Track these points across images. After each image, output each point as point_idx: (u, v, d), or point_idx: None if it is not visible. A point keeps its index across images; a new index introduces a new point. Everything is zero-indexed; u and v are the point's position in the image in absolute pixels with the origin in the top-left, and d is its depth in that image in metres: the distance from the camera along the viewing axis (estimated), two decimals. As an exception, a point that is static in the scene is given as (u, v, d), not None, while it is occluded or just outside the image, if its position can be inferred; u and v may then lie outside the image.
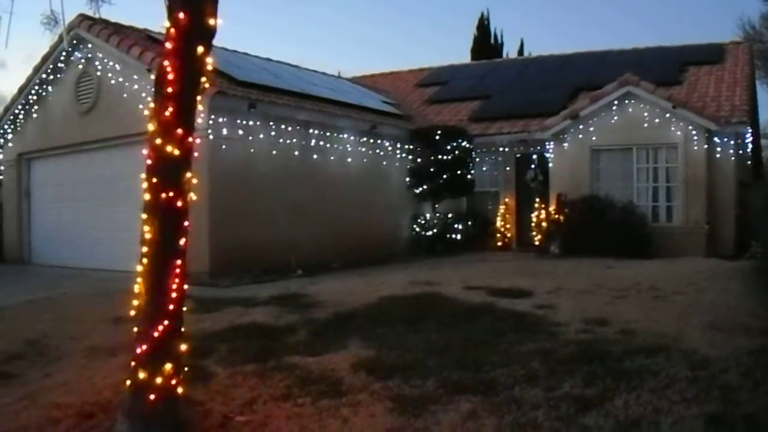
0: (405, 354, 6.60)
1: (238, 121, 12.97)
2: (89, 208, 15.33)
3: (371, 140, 16.43)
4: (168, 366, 4.70)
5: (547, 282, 10.66)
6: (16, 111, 16.99)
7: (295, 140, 14.36)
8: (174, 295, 4.73)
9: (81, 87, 15.31)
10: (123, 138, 14.25)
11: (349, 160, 15.87)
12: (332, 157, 15.36)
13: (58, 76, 15.98)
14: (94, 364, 6.68)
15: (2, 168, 17.77)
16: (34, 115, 16.67)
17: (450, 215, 18.06)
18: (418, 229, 17.78)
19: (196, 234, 12.36)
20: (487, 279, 11.11)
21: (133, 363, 4.73)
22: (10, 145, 17.35)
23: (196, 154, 4.83)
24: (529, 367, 6.00)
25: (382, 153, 16.85)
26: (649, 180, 17.22)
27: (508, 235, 19.20)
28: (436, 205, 18.05)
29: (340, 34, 70.53)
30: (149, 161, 4.64)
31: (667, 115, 16.73)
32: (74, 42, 15.32)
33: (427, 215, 17.90)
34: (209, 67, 4.77)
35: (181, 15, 4.60)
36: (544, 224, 17.54)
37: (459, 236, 17.78)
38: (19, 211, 17.19)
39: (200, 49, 4.66)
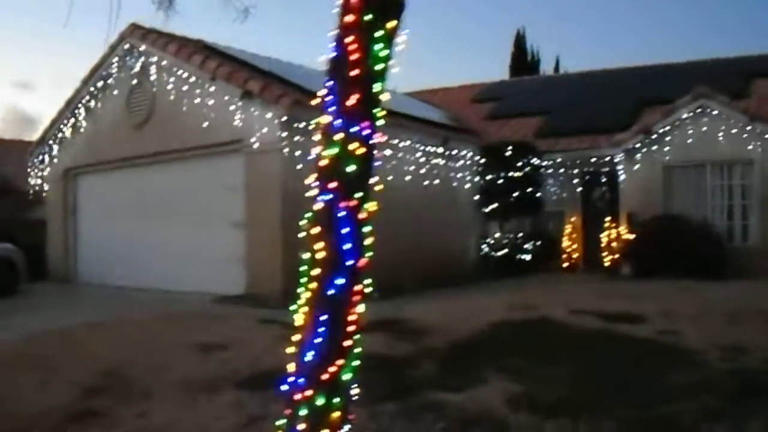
0: (554, 388, 5.97)
1: (312, 137, 12.02)
2: (140, 226, 14.51)
3: (442, 156, 15.52)
4: (335, 415, 3.79)
5: (649, 306, 9.95)
6: (63, 125, 16.26)
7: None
8: (352, 327, 3.82)
9: (133, 99, 14.53)
10: (180, 152, 13.56)
11: (421, 176, 14.95)
12: (405, 174, 14.42)
13: (109, 88, 15.21)
14: (195, 402, 5.76)
15: (47, 184, 16.96)
16: (82, 129, 15.90)
17: (520, 235, 17.11)
18: (486, 249, 16.80)
19: (268, 253, 11.63)
20: (584, 302, 10.44)
21: (287, 411, 3.81)
22: (56, 160, 16.60)
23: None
24: (702, 402, 5.53)
25: (452, 169, 15.94)
26: (724, 198, 16.43)
27: (575, 255, 18.26)
28: (504, 225, 17.10)
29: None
30: (325, 162, 3.74)
31: (743, 129, 15.90)
32: (126, 52, 14.56)
33: (496, 234, 16.94)
34: (400, 47, 3.86)
35: None
36: (614, 245, 16.67)
37: (528, 257, 16.82)
38: (64, 228, 16.41)
39: (391, 24, 3.77)
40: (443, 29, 66.42)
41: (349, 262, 3.75)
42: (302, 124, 11.68)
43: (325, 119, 3.78)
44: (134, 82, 14.42)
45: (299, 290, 3.88)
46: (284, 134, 11.45)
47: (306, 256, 3.81)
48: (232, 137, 12.18)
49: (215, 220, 12.80)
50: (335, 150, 3.70)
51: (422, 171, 14.89)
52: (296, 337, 3.87)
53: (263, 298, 11.17)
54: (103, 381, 6.34)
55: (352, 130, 3.70)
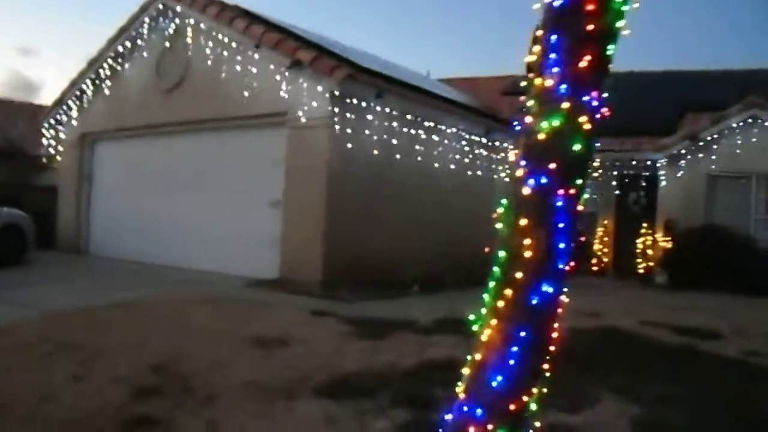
0: (674, 411, 5.29)
1: (363, 114, 11.22)
2: (163, 198, 13.65)
3: (483, 147, 14.71)
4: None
5: (715, 321, 9.62)
6: (84, 86, 15.28)
7: (416, 140, 12.59)
8: (552, 348, 3.05)
9: (164, 63, 13.61)
10: (214, 122, 12.68)
11: (463, 166, 14.12)
12: (449, 162, 13.60)
13: (137, 49, 14.27)
14: (273, 412, 4.77)
15: (62, 148, 16.03)
16: (104, 92, 14.96)
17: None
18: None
19: (308, 236, 10.80)
20: (647, 313, 10.06)
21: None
22: (73, 123, 15.64)
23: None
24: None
25: (492, 161, 15.13)
26: (768, 212, 15.77)
27: (605, 260, 17.59)
28: (539, 223, 16.36)
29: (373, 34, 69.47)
30: (542, 136, 2.94)
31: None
32: (159, 12, 13.66)
33: (531, 233, 16.17)
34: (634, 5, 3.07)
35: None
36: (649, 252, 16.06)
37: (562, 258, 16.12)
38: (78, 196, 15.50)
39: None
40: (456, 16, 65.96)
41: (561, 266, 2.97)
42: (354, 100, 10.91)
43: (543, 82, 2.98)
44: (166, 44, 13.50)
45: (485, 298, 3.12)
46: (335, 109, 10.61)
47: (501, 253, 3.03)
48: (275, 109, 11.33)
49: (249, 197, 11.97)
50: (557, 122, 2.91)
51: (465, 161, 14.10)
52: (476, 356, 3.10)
53: (301, 284, 10.37)
54: (153, 378, 5.37)
55: (581, 99, 2.91)
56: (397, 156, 12.05)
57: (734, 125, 15.88)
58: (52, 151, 16.37)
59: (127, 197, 14.39)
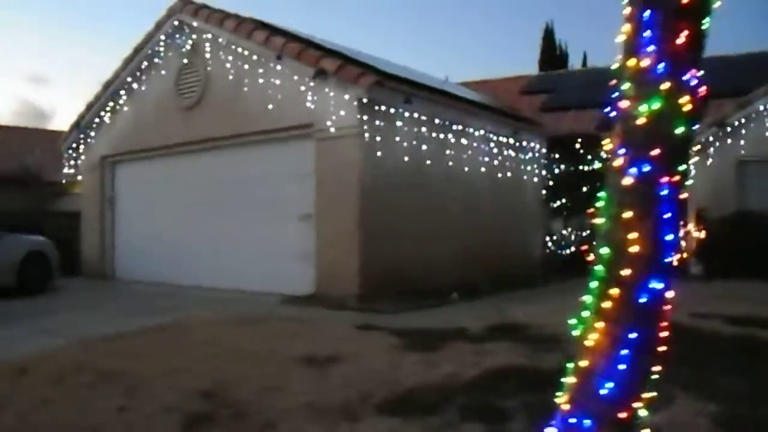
0: (751, 407, 5.08)
1: (391, 121, 11.03)
2: (189, 219, 13.47)
3: (512, 148, 14.49)
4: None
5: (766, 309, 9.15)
6: (101, 108, 15.15)
7: (446, 145, 12.39)
8: (663, 348, 2.83)
9: (183, 80, 13.43)
10: (237, 138, 12.50)
11: (492, 168, 13.89)
12: (478, 165, 13.38)
13: (154, 68, 14.13)
14: None
15: (82, 172, 15.90)
16: (122, 113, 14.82)
17: (587, 233, 16.18)
18: (552, 247, 15.80)
19: (342, 249, 10.59)
20: (695, 305, 9.44)
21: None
22: (92, 146, 15.51)
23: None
24: None
25: (521, 162, 14.92)
26: (801, 196, 15.45)
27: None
28: (568, 222, 16.14)
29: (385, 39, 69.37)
30: (642, 120, 2.72)
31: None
32: (175, 29, 13.52)
33: (563, 232, 15.94)
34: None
35: None
36: (682, 242, 15.71)
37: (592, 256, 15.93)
38: (101, 220, 15.34)
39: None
40: (464, 19, 65.81)
41: (669, 259, 2.75)
42: (382, 108, 10.71)
43: (638, 63, 2.76)
44: (184, 61, 13.34)
45: (587, 299, 2.90)
46: (364, 117, 10.42)
47: (604, 250, 2.81)
48: (301, 121, 11.16)
49: (276, 212, 11.78)
50: (658, 104, 2.69)
51: (494, 163, 13.88)
52: (581, 363, 2.87)
53: (338, 298, 10.17)
54: (203, 404, 5.08)
55: (681, 78, 2.69)
56: (427, 162, 11.87)
57: (761, 108, 15.56)
58: (71, 175, 16.23)
59: (152, 218, 14.24)
